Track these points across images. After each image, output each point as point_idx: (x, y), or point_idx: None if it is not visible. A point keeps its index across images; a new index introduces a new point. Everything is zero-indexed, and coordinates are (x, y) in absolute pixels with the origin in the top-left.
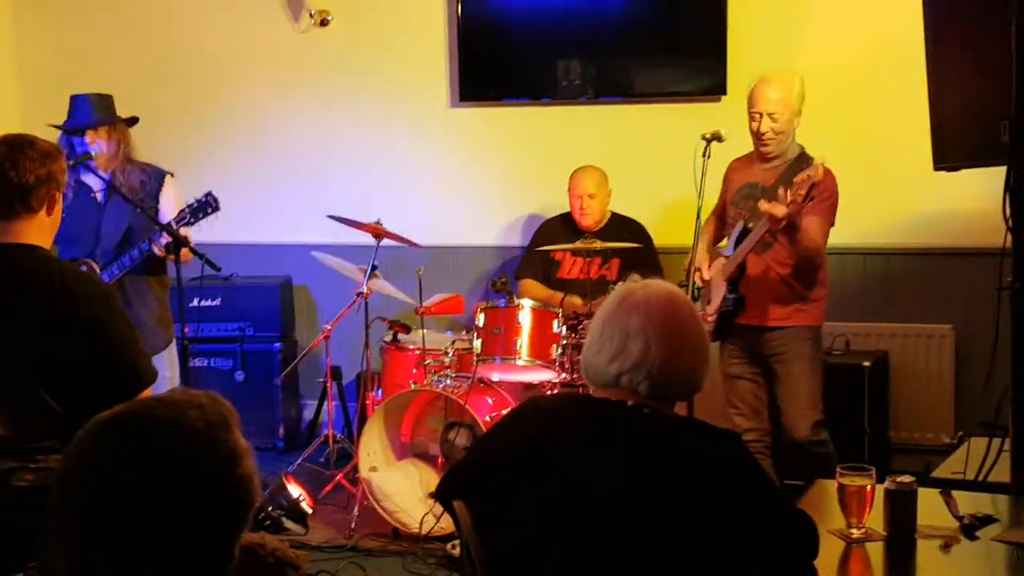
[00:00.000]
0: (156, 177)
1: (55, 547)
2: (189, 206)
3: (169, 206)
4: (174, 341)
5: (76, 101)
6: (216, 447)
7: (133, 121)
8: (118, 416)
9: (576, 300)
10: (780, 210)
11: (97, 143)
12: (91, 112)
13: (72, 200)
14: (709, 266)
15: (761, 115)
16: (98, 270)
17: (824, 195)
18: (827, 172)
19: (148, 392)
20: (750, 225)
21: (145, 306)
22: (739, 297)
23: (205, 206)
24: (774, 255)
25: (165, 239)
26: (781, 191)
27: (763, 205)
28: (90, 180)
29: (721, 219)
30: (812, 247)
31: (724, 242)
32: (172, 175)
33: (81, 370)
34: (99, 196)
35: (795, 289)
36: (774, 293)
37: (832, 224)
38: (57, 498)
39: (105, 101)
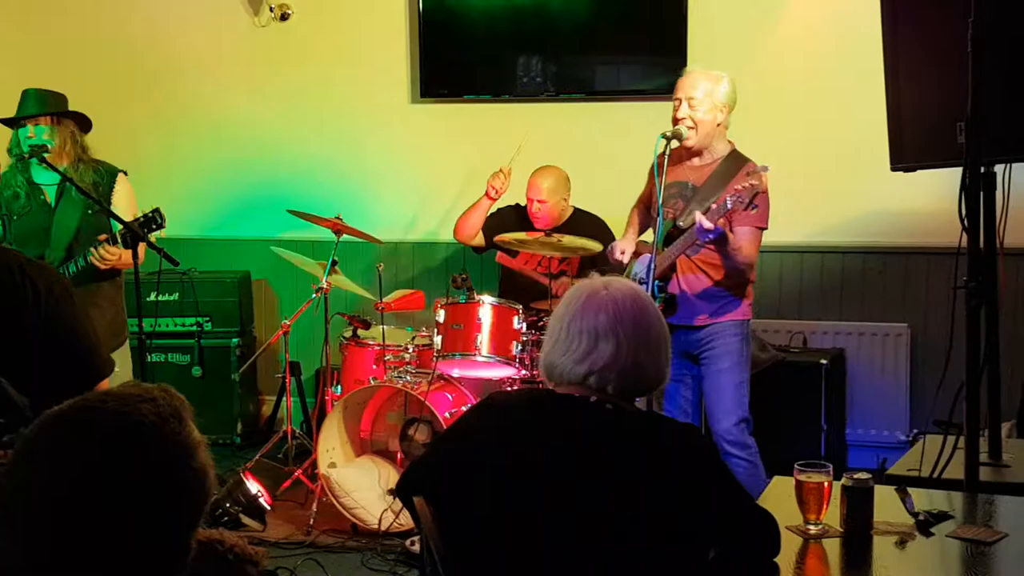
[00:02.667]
0: (109, 176)
1: (5, 544)
2: (136, 219)
3: (121, 204)
4: (127, 340)
5: (24, 94)
6: (168, 440)
7: (86, 121)
8: (68, 410)
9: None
10: (710, 225)
11: (37, 136)
12: (36, 104)
13: (24, 200)
14: (630, 254)
15: (680, 101)
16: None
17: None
18: (758, 175)
19: (106, 383)
20: (680, 223)
21: (95, 308)
22: (670, 297)
23: (150, 222)
24: (703, 256)
25: (106, 250)
26: (714, 206)
27: (696, 215)
28: (43, 178)
29: (647, 210)
30: (742, 260)
31: (649, 233)
32: (125, 173)
33: (40, 361)
34: (49, 196)
35: (724, 288)
36: (704, 293)
37: (765, 228)
38: (6, 494)
39: (54, 96)
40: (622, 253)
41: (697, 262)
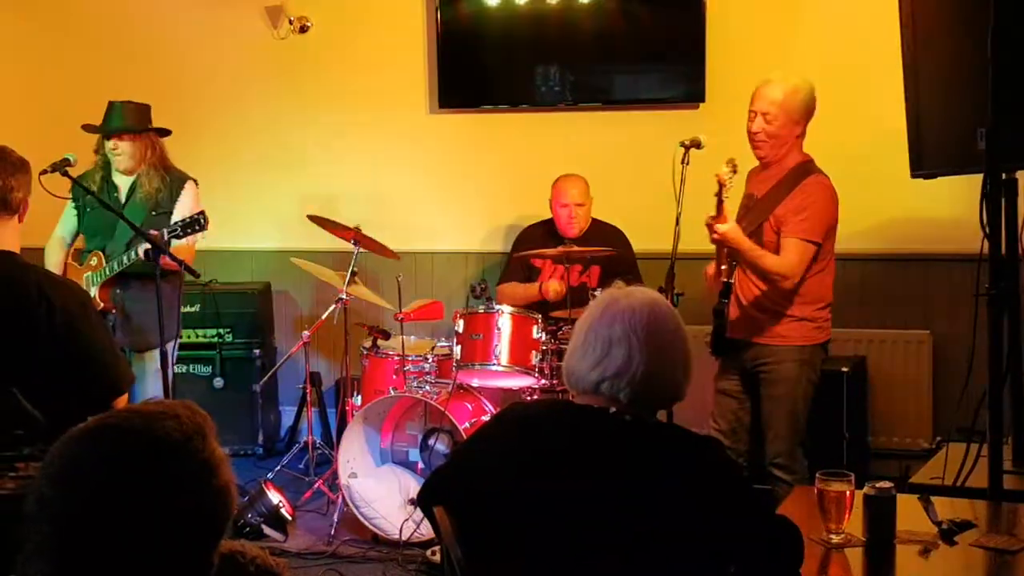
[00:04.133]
0: (176, 184)
1: (32, 558)
2: (181, 221)
3: (183, 211)
4: (175, 341)
5: (111, 107)
6: (192, 457)
7: (165, 132)
8: (93, 427)
9: (555, 285)
10: (718, 227)
11: (119, 147)
12: (119, 118)
13: (101, 195)
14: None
15: (756, 113)
16: (104, 263)
17: (802, 211)
18: (813, 184)
19: (126, 397)
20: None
21: (149, 302)
22: (721, 308)
23: (194, 223)
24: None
25: (139, 248)
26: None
27: (706, 219)
28: (118, 180)
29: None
30: (765, 269)
31: None
32: (194, 181)
33: (58, 376)
34: (123, 196)
35: (779, 305)
36: (759, 307)
37: (817, 242)
38: (33, 509)
39: (138, 110)
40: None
41: (753, 277)
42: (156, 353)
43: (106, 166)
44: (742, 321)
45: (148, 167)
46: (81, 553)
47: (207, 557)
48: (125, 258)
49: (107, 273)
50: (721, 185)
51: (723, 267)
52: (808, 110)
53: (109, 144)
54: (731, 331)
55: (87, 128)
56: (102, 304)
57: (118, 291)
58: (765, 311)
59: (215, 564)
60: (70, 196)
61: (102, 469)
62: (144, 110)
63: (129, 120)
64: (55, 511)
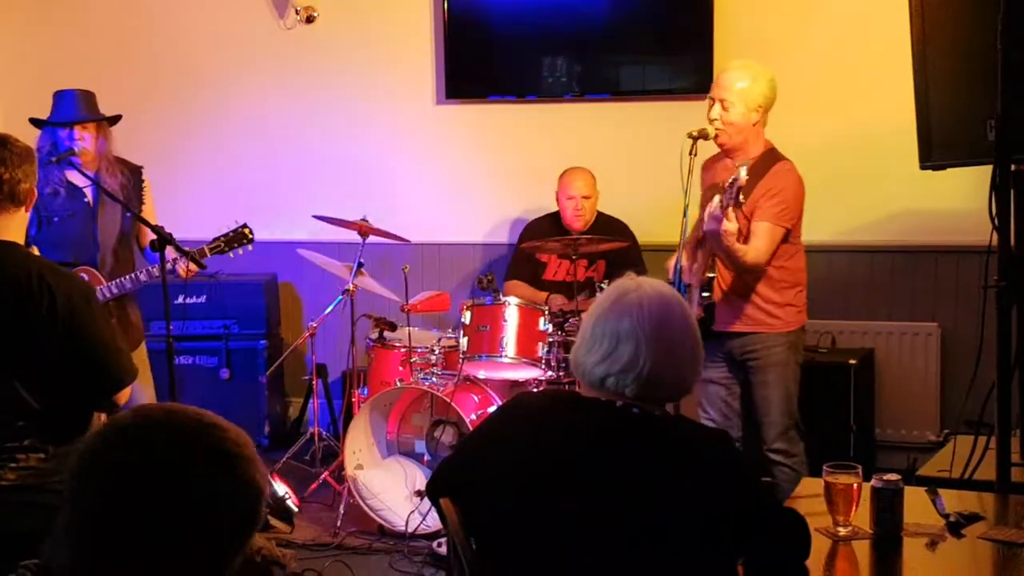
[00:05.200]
0: (135, 173)
1: (57, 545)
2: (224, 235)
3: (149, 202)
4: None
5: (62, 96)
6: (242, 473)
7: (116, 119)
8: (152, 421)
9: (561, 300)
10: (714, 224)
11: (85, 139)
12: (78, 107)
13: (65, 200)
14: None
15: (714, 100)
16: (103, 280)
17: (774, 196)
18: (783, 171)
19: (128, 391)
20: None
21: (137, 308)
22: (709, 303)
23: (240, 237)
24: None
25: (179, 264)
26: (716, 199)
27: (713, 208)
28: (76, 179)
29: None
30: (744, 263)
31: None
32: (142, 167)
33: (60, 368)
34: (89, 198)
35: (761, 293)
36: (741, 296)
37: (786, 227)
38: (70, 494)
39: (90, 97)
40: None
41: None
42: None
43: (61, 165)
44: (727, 312)
45: (107, 161)
46: (115, 544)
47: (230, 561)
48: (155, 271)
49: (119, 291)
50: (738, 189)
51: (709, 262)
52: (767, 99)
53: (75, 135)
54: (718, 324)
55: (36, 122)
56: None
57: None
58: (750, 301)
59: (236, 568)
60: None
61: (158, 464)
62: (92, 96)
63: (91, 109)
64: (98, 498)
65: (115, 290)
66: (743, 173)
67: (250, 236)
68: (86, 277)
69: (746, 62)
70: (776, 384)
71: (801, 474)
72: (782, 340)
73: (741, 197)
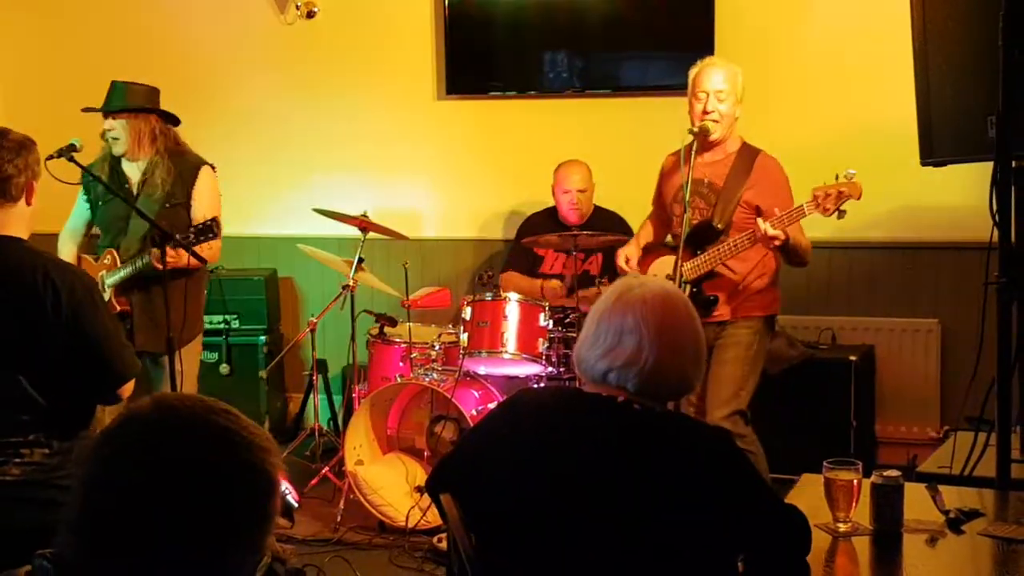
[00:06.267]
0: (189, 171)
1: (67, 534)
2: (194, 228)
3: (202, 197)
4: (199, 338)
5: (111, 87)
6: (260, 473)
7: (173, 118)
8: (174, 415)
9: (555, 284)
10: (777, 233)
11: (114, 129)
12: (113, 98)
13: (109, 187)
14: (640, 259)
15: (707, 94)
16: (117, 264)
17: (778, 189)
18: (771, 164)
19: (131, 386)
20: (718, 225)
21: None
22: (713, 298)
23: (206, 231)
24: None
25: (155, 257)
26: (778, 211)
27: (760, 224)
28: (129, 170)
29: (660, 219)
30: (805, 252)
31: (669, 238)
32: (211, 166)
33: (64, 363)
34: (134, 188)
35: (745, 284)
36: (727, 292)
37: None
38: (77, 490)
39: (134, 90)
40: (627, 261)
41: (731, 264)
42: (176, 355)
43: (113, 156)
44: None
45: (157, 154)
46: (128, 538)
47: (242, 564)
48: (140, 262)
49: (122, 275)
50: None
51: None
52: (744, 93)
53: (105, 125)
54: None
55: (87, 110)
56: (118, 307)
57: (136, 291)
58: (733, 292)
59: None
60: (79, 183)
61: (178, 460)
62: (148, 92)
63: (127, 100)
64: (112, 491)
65: (118, 276)
66: (860, 186)
67: (216, 230)
68: (108, 259)
69: (718, 58)
70: (730, 363)
71: (754, 454)
72: (749, 324)
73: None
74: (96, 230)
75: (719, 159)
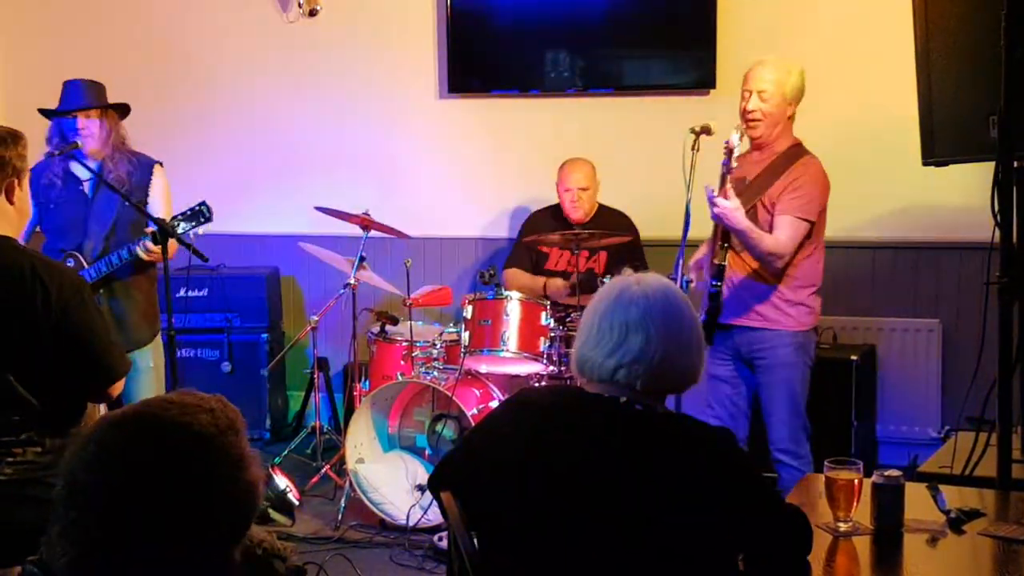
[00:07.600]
0: (145, 167)
1: (58, 540)
2: (182, 214)
3: (158, 197)
4: (160, 333)
5: (68, 86)
6: (225, 452)
7: (125, 110)
8: (129, 414)
9: (559, 282)
10: (721, 205)
11: (88, 127)
12: (83, 95)
13: (61, 190)
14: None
15: (751, 92)
16: (85, 265)
17: (796, 189)
18: (807, 164)
19: (121, 384)
20: None
21: (130, 300)
22: (716, 291)
23: (198, 215)
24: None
25: (149, 246)
26: (729, 185)
27: (707, 189)
28: (78, 171)
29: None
30: (761, 250)
31: None
32: (161, 164)
33: (54, 361)
34: (87, 187)
35: (772, 288)
36: (752, 291)
37: (810, 221)
38: (64, 493)
39: (97, 87)
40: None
41: (747, 259)
42: (148, 351)
43: (64, 157)
44: (737, 305)
45: (113, 151)
46: (108, 538)
47: (229, 550)
48: (125, 252)
49: (96, 274)
50: (730, 152)
51: (717, 247)
52: (799, 92)
53: (79, 123)
54: (726, 315)
55: (46, 112)
56: None
57: (101, 291)
58: (759, 295)
59: (236, 561)
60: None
61: (138, 457)
62: (101, 87)
63: (97, 97)
64: (87, 495)
65: (103, 268)
66: (735, 137)
67: (208, 214)
68: (71, 263)
69: (779, 57)
70: (783, 385)
71: (806, 475)
72: (790, 340)
73: (734, 163)
74: (40, 233)
75: (765, 158)
